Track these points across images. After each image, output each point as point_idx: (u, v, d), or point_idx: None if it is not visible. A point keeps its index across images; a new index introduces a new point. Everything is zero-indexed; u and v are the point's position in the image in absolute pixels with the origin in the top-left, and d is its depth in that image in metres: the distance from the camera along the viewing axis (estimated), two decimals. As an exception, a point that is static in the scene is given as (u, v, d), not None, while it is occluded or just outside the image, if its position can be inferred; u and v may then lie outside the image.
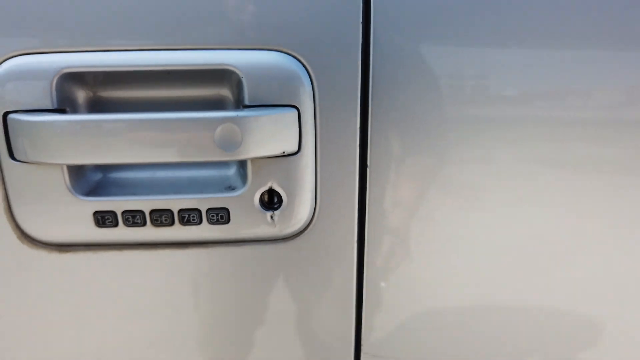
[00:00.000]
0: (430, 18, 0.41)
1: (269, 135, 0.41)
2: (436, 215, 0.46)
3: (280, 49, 0.41)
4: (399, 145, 0.44)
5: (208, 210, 0.43)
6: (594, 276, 0.50)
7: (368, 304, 0.49)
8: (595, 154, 0.45)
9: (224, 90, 0.43)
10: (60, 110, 0.41)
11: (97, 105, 0.43)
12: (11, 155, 0.42)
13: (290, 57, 0.41)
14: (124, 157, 0.41)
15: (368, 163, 0.44)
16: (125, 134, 0.40)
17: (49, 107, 0.41)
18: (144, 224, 0.44)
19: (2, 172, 0.43)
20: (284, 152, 0.42)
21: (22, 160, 0.42)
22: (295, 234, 0.45)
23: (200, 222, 0.43)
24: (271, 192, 0.44)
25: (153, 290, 0.47)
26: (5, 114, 0.41)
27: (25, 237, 0.45)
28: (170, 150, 0.40)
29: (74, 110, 0.42)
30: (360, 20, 0.41)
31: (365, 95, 0.42)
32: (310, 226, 0.45)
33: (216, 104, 0.43)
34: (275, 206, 0.44)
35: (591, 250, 0.49)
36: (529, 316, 0.52)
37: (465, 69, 0.43)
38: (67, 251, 0.45)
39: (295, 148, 0.42)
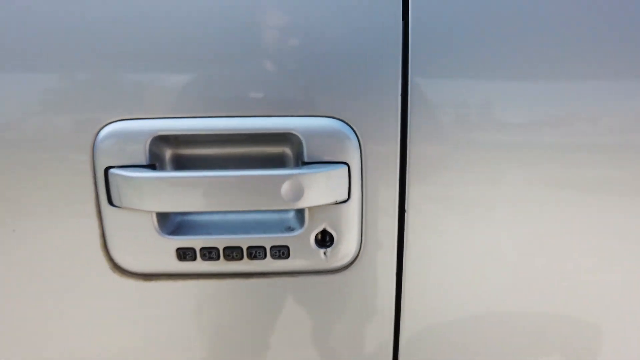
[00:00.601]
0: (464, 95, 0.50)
1: (324, 187, 0.49)
2: (464, 251, 0.54)
3: (333, 115, 0.49)
4: (432, 193, 0.52)
5: (271, 247, 0.52)
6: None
7: (405, 328, 0.57)
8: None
9: (286, 149, 0.51)
10: (151, 166, 0.50)
11: (181, 161, 0.52)
12: (110, 201, 0.51)
13: (341, 122, 0.49)
14: (202, 207, 0.49)
15: (406, 208, 0.52)
16: (204, 189, 0.49)
17: (143, 163, 0.50)
18: (218, 258, 0.52)
19: (100, 214, 0.52)
20: (336, 201, 0.50)
21: (118, 205, 0.50)
22: (344, 267, 0.54)
23: (265, 257, 0.52)
24: (324, 233, 0.52)
25: (224, 314, 0.56)
26: (107, 169, 0.50)
27: (117, 267, 0.54)
28: (243, 201, 0.49)
29: (162, 165, 0.51)
30: (399, 93, 0.49)
31: (403, 152, 0.50)
32: (357, 260, 0.54)
33: (279, 161, 0.51)
34: (328, 244, 0.52)
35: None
36: (577, 325, 0.59)
37: (500, 115, 0.50)
38: (151, 280, 0.54)
39: (345, 197, 0.50)
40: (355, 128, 0.50)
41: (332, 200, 0.50)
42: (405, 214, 0.52)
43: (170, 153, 0.52)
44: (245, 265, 0.52)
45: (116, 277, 0.54)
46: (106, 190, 0.50)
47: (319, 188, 0.49)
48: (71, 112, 0.49)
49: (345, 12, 0.48)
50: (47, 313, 0.56)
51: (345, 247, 0.52)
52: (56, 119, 0.49)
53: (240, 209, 0.49)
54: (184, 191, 0.49)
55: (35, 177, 0.51)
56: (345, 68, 0.49)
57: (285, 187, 0.48)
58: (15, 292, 0.55)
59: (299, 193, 0.48)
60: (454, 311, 0.56)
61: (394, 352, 0.58)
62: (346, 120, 0.50)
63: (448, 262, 0.54)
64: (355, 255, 0.53)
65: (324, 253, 0.52)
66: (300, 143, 0.49)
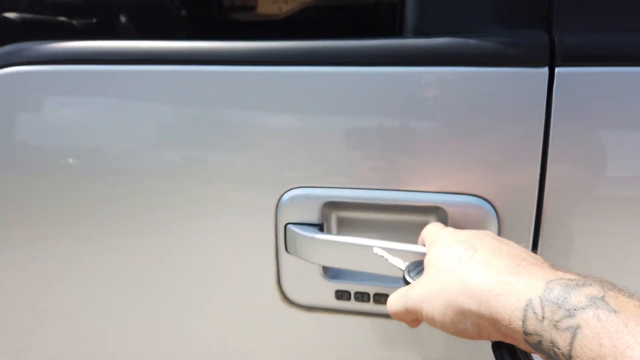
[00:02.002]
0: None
1: (464, 254, 0.58)
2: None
3: (475, 193, 0.59)
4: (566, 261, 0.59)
5: (413, 297, 0.62)
6: None
7: None
8: None
9: (431, 219, 0.61)
10: (320, 225, 0.63)
11: (344, 222, 0.64)
12: (286, 249, 0.64)
13: (482, 199, 0.58)
14: (358, 267, 0.60)
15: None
16: (360, 252, 0.60)
17: (314, 222, 0.63)
18: (368, 301, 0.64)
19: (278, 258, 0.66)
20: (473, 266, 0.59)
21: (292, 253, 0.64)
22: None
23: (407, 304, 0.63)
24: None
25: (370, 347, 0.68)
26: (286, 225, 0.63)
27: (286, 299, 0.67)
28: (401, 258, 0.60)
29: (329, 224, 0.64)
30: (537, 180, 0.57)
31: (537, 230, 0.58)
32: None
33: (424, 226, 0.62)
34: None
35: None
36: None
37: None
38: (312, 312, 0.67)
39: (481, 262, 0.59)
40: (495, 205, 0.58)
41: (470, 265, 0.59)
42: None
43: (336, 215, 0.64)
44: (390, 309, 0.64)
45: (285, 307, 0.68)
46: (284, 241, 0.64)
47: (460, 255, 0.58)
48: (263, 181, 0.63)
49: (494, 113, 0.56)
50: (226, 334, 0.71)
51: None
52: (251, 184, 0.63)
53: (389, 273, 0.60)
54: (343, 252, 0.61)
55: (230, 227, 0.66)
56: (489, 156, 0.57)
57: (432, 254, 0.58)
58: (200, 318, 0.71)
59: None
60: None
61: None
62: (487, 198, 0.58)
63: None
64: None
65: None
66: (445, 215, 0.59)
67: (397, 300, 0.49)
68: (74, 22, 1.08)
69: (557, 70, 0.55)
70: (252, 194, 0.64)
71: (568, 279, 0.37)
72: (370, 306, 0.64)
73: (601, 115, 0.56)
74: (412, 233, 0.60)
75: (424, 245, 0.55)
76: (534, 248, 0.59)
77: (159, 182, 0.66)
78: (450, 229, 0.54)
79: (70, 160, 0.67)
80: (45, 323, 0.78)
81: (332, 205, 0.63)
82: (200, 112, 0.63)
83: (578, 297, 0.34)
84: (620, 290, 0.35)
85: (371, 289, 0.63)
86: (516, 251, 0.45)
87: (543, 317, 0.35)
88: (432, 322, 0.44)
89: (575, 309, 0.33)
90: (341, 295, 0.65)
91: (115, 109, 0.65)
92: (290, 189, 0.63)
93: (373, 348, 0.68)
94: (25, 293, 0.76)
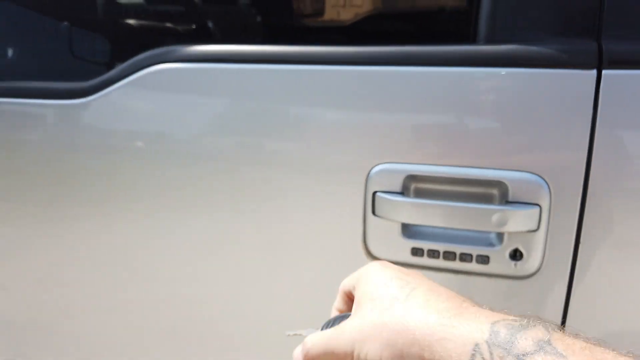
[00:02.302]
0: None
1: (521, 220, 0.72)
2: (625, 288, 0.72)
3: (532, 171, 0.72)
4: (605, 235, 0.71)
5: (477, 255, 0.76)
6: None
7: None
8: None
9: (494, 191, 0.75)
10: (401, 192, 0.78)
11: (420, 193, 0.79)
12: (373, 212, 0.80)
13: (537, 176, 0.72)
14: (435, 222, 0.76)
15: (581, 240, 0.72)
16: (437, 211, 0.75)
17: (397, 190, 0.78)
18: (438, 257, 0.78)
19: (365, 220, 0.81)
20: (528, 230, 0.73)
21: (378, 215, 0.80)
22: (527, 276, 0.76)
23: (471, 261, 0.77)
24: (516, 250, 0.75)
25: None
26: (374, 193, 0.79)
27: (370, 255, 0.83)
28: (463, 222, 0.74)
29: (408, 193, 0.79)
30: (585, 160, 0.70)
31: (583, 203, 0.71)
32: (537, 273, 0.75)
33: (489, 198, 0.76)
34: (518, 259, 0.75)
35: None
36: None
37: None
38: (390, 266, 0.83)
39: (536, 227, 0.73)
40: (548, 181, 0.72)
41: (525, 228, 0.73)
42: (580, 246, 0.73)
43: (414, 186, 0.79)
44: (456, 265, 0.78)
45: (368, 261, 0.83)
46: (372, 205, 0.80)
47: (518, 219, 0.72)
48: (361, 156, 0.79)
49: (550, 107, 0.70)
50: (315, 286, 0.87)
51: (531, 262, 0.75)
52: (348, 159, 0.80)
53: (460, 227, 0.75)
54: (421, 211, 0.76)
55: (326, 193, 0.82)
56: (545, 141, 0.71)
57: (495, 217, 0.72)
58: (288, 276, 0.87)
59: (503, 221, 0.72)
60: (612, 327, 0.75)
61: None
62: (541, 175, 0.72)
63: (612, 289, 0.73)
64: (537, 269, 0.75)
65: (515, 264, 0.75)
66: (507, 189, 0.73)
67: (319, 342, 0.45)
68: (179, 28, 1.32)
69: (603, 72, 0.69)
70: (349, 165, 0.80)
71: (512, 320, 0.36)
72: (440, 262, 0.78)
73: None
74: (475, 203, 0.74)
75: (350, 290, 0.52)
76: (580, 219, 0.72)
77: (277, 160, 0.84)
78: (378, 263, 0.51)
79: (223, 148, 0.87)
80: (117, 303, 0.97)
81: (412, 179, 0.78)
82: (316, 105, 0.80)
83: (525, 341, 0.34)
84: (564, 331, 0.35)
85: (441, 247, 0.78)
86: (453, 292, 0.43)
87: None
88: None
89: (524, 355, 0.33)
90: (416, 252, 0.79)
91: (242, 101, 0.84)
92: (379, 164, 0.79)
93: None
94: (102, 265, 0.96)
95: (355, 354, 0.40)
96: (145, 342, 1.02)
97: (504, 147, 0.73)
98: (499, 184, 0.74)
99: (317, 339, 0.45)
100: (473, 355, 0.34)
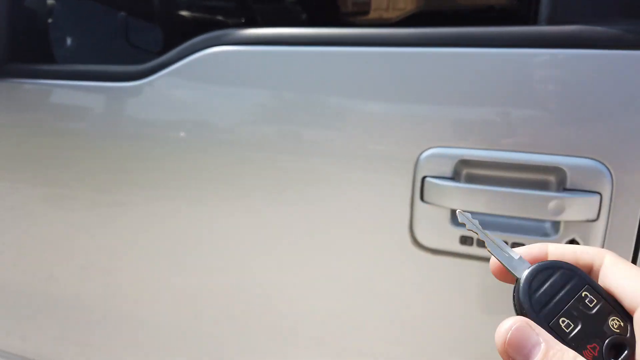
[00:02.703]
0: None
1: (579, 209, 0.69)
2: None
3: (593, 157, 0.69)
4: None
5: (530, 245, 0.73)
6: None
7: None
8: None
9: (551, 177, 0.72)
10: (452, 178, 0.76)
11: (472, 178, 0.77)
12: (421, 198, 0.78)
13: (598, 162, 0.69)
14: (485, 210, 0.73)
15: (644, 233, 0.69)
16: (489, 197, 0.73)
17: (448, 175, 0.76)
18: (488, 247, 0.76)
19: (412, 206, 0.80)
20: (587, 219, 0.69)
21: (427, 201, 0.78)
22: (584, 269, 0.72)
23: (524, 251, 0.74)
24: (573, 241, 0.71)
25: (483, 289, 0.79)
26: (423, 177, 0.78)
27: (416, 243, 0.81)
28: (517, 209, 0.71)
29: (459, 178, 0.77)
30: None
31: (649, 191, 0.67)
32: (596, 266, 0.72)
33: (545, 185, 0.73)
34: (575, 250, 0.71)
35: None
36: None
37: None
38: (438, 255, 0.80)
39: (595, 217, 0.69)
40: (610, 168, 0.68)
41: (583, 218, 0.69)
42: (643, 238, 0.69)
43: (466, 171, 0.77)
44: (508, 254, 0.75)
45: (414, 250, 0.81)
46: (420, 191, 0.78)
47: (576, 208, 0.69)
48: (409, 140, 0.78)
49: (612, 90, 0.67)
50: (358, 275, 0.86)
51: (589, 254, 0.71)
52: (398, 143, 0.79)
53: (513, 215, 0.72)
54: (473, 198, 0.74)
55: (371, 178, 0.81)
56: (607, 123, 0.68)
57: (551, 204, 0.69)
58: (339, 259, 0.86)
59: (561, 209, 0.69)
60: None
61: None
62: (603, 161, 0.68)
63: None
64: (596, 261, 0.72)
65: (571, 256, 0.72)
66: (565, 175, 0.70)
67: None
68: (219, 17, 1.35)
69: (677, 54, 0.65)
70: (398, 149, 0.79)
71: None
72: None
73: None
74: (530, 190, 0.72)
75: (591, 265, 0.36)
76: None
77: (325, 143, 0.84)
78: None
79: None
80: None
81: (464, 164, 0.76)
82: (367, 88, 0.80)
83: None
84: None
85: (492, 236, 0.75)
86: None
87: None
88: None
89: None
90: (465, 240, 0.77)
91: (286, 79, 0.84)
92: (429, 148, 0.77)
93: (489, 290, 0.79)
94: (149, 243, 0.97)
95: None
96: (203, 329, 1.03)
97: (563, 131, 0.70)
98: (556, 170, 0.71)
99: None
100: None
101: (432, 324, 0.84)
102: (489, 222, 0.77)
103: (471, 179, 0.77)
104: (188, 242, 0.97)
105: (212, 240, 0.95)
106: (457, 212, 0.42)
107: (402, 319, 0.86)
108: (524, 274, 0.35)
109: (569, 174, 0.70)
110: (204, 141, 0.91)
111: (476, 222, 0.41)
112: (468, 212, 0.48)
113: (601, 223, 0.70)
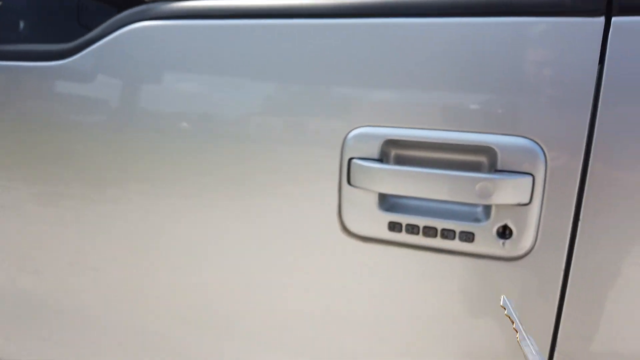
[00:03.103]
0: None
1: (510, 191, 0.63)
2: (632, 265, 0.62)
3: (525, 135, 0.63)
4: (609, 208, 0.61)
5: (460, 232, 0.67)
6: None
7: (566, 318, 0.67)
8: None
9: (483, 158, 0.66)
10: (379, 160, 0.70)
11: (400, 159, 0.71)
12: (348, 181, 0.72)
13: (531, 141, 0.62)
14: (412, 193, 0.67)
15: (580, 217, 0.62)
16: (416, 180, 0.67)
17: (375, 157, 0.70)
18: (417, 233, 0.70)
19: (340, 190, 0.74)
20: (519, 203, 0.63)
21: (354, 185, 0.72)
22: (517, 258, 0.66)
23: (454, 238, 0.68)
24: (505, 227, 0.65)
25: (413, 278, 0.73)
26: (350, 159, 0.72)
27: (345, 230, 0.75)
28: (444, 193, 0.65)
29: (387, 160, 0.71)
30: (587, 125, 0.60)
31: (584, 172, 0.61)
32: (529, 254, 0.66)
33: (476, 166, 0.67)
34: (507, 237, 0.65)
35: None
36: None
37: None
38: (367, 242, 0.75)
39: (528, 200, 0.63)
40: (543, 147, 0.62)
41: (515, 201, 0.63)
42: (580, 222, 0.62)
43: (394, 153, 0.71)
44: (437, 242, 0.69)
45: (343, 237, 0.76)
46: (347, 174, 0.72)
47: (506, 191, 0.62)
48: (333, 119, 0.72)
49: (547, 61, 0.61)
50: (287, 263, 0.80)
51: (522, 241, 0.65)
52: (320, 122, 0.73)
53: (440, 199, 0.66)
54: (400, 180, 0.68)
55: (297, 160, 0.75)
56: (541, 99, 0.62)
57: (480, 187, 0.63)
58: (265, 248, 0.81)
59: (489, 192, 0.63)
60: (615, 314, 0.64)
61: (553, 337, 0.68)
62: (536, 140, 0.62)
63: (614, 271, 0.62)
64: (529, 249, 0.66)
65: (503, 243, 0.66)
66: (495, 155, 0.64)
67: None
68: None
69: (613, 20, 0.59)
70: (322, 130, 0.73)
71: None
72: (419, 239, 0.70)
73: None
74: (464, 170, 0.65)
75: None
76: (580, 192, 0.62)
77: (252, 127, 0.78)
78: None
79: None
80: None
81: (391, 144, 0.70)
82: (285, 62, 0.74)
83: None
84: None
85: (421, 222, 0.69)
86: None
87: None
88: None
89: None
90: (393, 226, 0.71)
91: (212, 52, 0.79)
92: (356, 128, 0.71)
93: (419, 280, 0.73)
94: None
95: None
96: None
97: (493, 108, 0.64)
98: (487, 150, 0.65)
99: None
100: None
101: (367, 315, 0.79)
102: (418, 207, 0.71)
103: (400, 161, 0.71)
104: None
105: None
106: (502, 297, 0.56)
107: (336, 311, 0.80)
108: None
109: (500, 154, 0.64)
110: (129, 124, 0.85)
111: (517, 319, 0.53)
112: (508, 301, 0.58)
113: (535, 207, 0.64)
